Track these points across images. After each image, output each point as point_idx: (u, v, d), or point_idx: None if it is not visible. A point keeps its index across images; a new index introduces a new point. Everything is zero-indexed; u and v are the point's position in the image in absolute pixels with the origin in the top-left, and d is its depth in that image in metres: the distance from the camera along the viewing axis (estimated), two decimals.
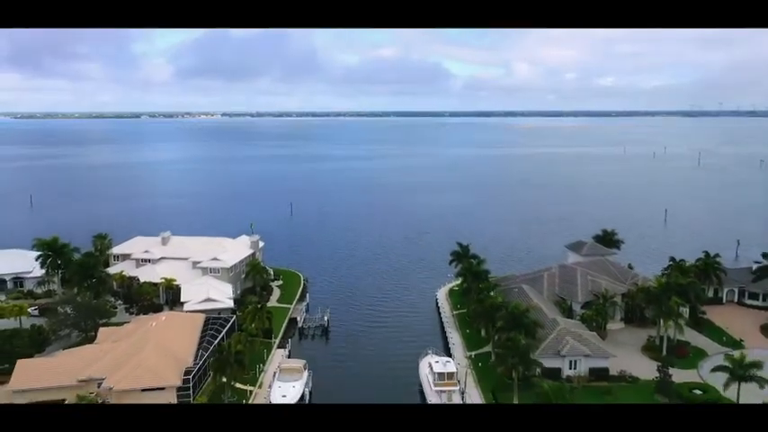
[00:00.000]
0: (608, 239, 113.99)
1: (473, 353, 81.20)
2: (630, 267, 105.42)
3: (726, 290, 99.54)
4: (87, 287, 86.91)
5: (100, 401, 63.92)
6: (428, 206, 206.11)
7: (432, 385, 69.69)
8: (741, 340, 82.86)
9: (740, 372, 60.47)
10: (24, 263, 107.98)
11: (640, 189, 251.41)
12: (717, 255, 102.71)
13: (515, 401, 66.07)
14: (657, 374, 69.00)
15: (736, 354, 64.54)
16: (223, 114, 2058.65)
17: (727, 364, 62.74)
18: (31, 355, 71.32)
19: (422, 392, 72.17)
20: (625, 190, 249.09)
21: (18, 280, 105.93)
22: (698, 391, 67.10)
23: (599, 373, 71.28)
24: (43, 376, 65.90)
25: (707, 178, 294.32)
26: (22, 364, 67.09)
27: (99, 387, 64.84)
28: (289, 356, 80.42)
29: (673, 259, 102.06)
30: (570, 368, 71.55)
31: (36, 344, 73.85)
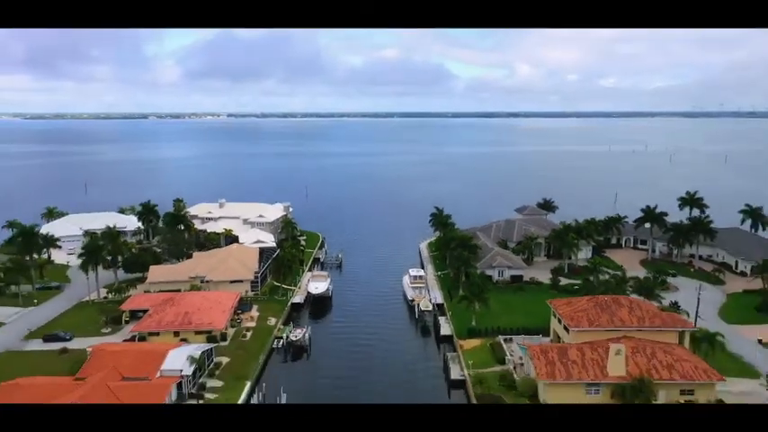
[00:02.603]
0: (547, 205, 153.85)
1: (439, 273, 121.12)
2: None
3: (625, 238, 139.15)
4: (178, 231, 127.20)
5: (205, 289, 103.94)
6: (421, 191, 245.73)
7: (409, 285, 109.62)
8: (621, 266, 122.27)
9: (592, 267, 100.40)
10: (120, 220, 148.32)
11: (606, 178, 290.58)
12: (625, 216, 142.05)
13: (460, 292, 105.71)
14: (551, 278, 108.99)
15: (594, 261, 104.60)
16: (229, 115, 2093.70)
17: (588, 264, 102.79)
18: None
19: (404, 294, 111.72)
20: (593, 179, 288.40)
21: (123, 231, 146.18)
22: (576, 286, 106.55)
23: (516, 279, 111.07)
24: (167, 275, 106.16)
25: (670, 171, 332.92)
26: (153, 268, 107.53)
27: (202, 281, 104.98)
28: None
29: (593, 219, 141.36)
30: (498, 275, 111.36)
31: (155, 260, 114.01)
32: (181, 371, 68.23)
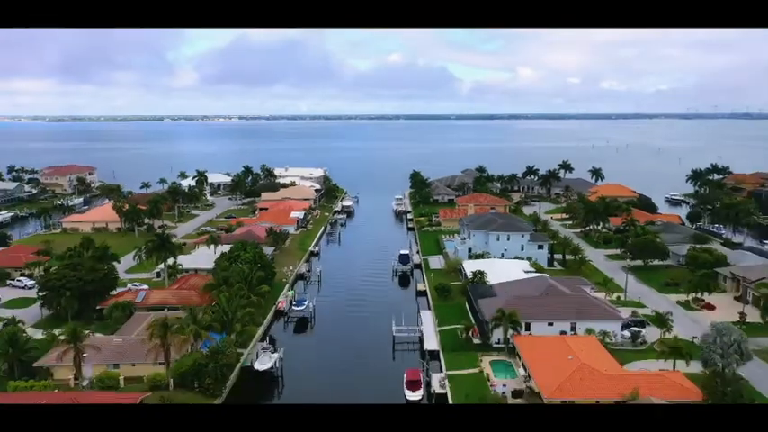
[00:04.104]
0: (480, 169, 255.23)
1: (411, 201, 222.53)
2: None
3: (521, 186, 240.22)
4: (269, 181, 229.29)
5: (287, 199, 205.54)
6: (411, 168, 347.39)
7: (395, 204, 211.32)
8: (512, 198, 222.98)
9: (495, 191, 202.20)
10: (222, 177, 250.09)
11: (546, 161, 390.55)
12: (522, 175, 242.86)
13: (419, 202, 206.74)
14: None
15: (488, 190, 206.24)
16: (240, 117, 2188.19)
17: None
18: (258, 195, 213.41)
19: (392, 208, 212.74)
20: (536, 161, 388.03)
21: (221, 184, 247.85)
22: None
23: (450, 200, 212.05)
24: (270, 196, 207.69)
25: (606, 158, 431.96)
26: (263, 194, 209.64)
27: (288, 199, 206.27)
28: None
29: (501, 175, 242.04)
30: (441, 199, 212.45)
31: (258, 194, 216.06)
32: (298, 217, 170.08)
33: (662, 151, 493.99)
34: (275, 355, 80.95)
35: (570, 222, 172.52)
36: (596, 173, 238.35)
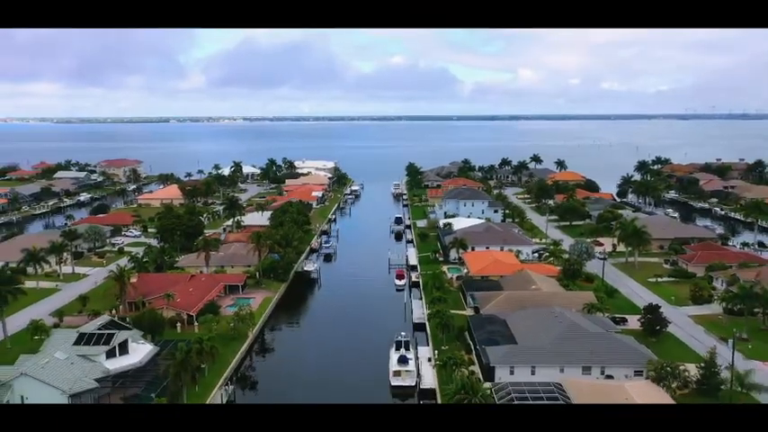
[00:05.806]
0: (466, 161, 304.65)
1: (407, 186, 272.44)
2: None
3: (498, 175, 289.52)
4: (290, 171, 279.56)
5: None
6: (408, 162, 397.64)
7: (393, 188, 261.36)
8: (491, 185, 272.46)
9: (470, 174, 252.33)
10: (250, 168, 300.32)
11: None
12: (499, 166, 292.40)
13: (413, 187, 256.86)
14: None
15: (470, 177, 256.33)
16: (244, 119, 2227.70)
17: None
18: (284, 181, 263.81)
19: (391, 192, 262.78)
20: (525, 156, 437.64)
21: (249, 174, 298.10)
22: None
23: (438, 185, 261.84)
24: (293, 182, 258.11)
25: (587, 154, 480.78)
26: (288, 181, 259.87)
27: (305, 185, 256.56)
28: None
29: (481, 165, 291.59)
30: (431, 184, 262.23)
31: (282, 180, 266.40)
32: (318, 195, 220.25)
33: (639, 149, 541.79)
34: (315, 265, 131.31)
35: (528, 198, 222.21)
36: (560, 164, 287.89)
